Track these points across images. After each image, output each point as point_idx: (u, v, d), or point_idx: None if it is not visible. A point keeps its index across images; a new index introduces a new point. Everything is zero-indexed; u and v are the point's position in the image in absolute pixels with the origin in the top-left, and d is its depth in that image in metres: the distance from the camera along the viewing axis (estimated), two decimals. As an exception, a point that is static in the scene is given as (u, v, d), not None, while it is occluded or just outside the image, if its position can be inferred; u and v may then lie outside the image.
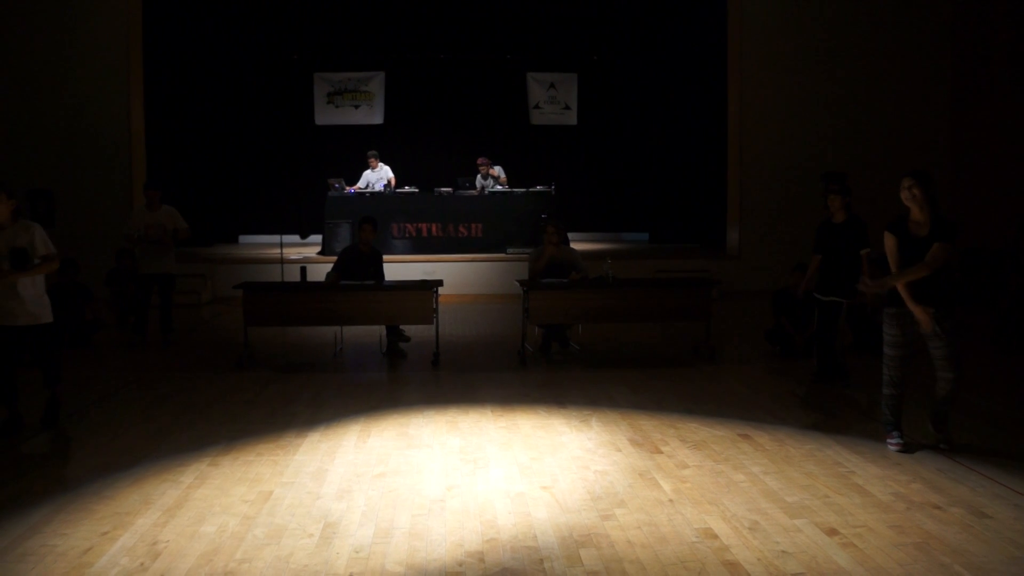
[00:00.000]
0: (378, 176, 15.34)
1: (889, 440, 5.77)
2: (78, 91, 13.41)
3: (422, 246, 14.57)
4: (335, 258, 9.73)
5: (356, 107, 17.61)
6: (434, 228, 14.75)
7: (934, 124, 14.32)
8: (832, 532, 4.38)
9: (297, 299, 8.82)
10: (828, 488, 5.02)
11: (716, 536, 4.34)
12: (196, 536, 4.38)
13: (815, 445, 5.86)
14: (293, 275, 11.08)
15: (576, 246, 10.46)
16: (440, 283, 8.89)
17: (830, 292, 7.65)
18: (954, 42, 14.22)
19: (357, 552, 4.19)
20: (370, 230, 9.26)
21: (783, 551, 4.16)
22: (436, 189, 15.00)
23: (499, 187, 15.23)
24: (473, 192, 15.10)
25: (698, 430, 6.23)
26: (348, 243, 12.07)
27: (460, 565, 4.06)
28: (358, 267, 9.18)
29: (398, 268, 12.39)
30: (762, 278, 12.69)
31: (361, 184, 15.29)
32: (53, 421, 6.41)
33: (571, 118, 17.95)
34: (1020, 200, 12.18)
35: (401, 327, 9.24)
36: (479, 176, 15.30)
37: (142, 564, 4.07)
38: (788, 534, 4.36)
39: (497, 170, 15.37)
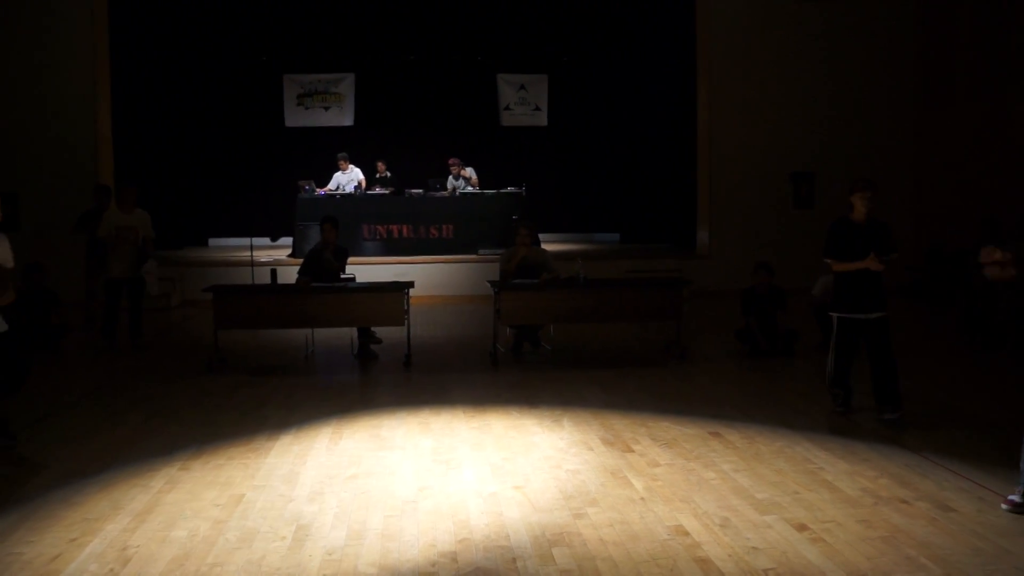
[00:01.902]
0: (348, 178, 15.29)
1: None
2: (44, 92, 13.22)
3: (393, 248, 14.53)
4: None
5: (326, 109, 17.52)
6: (405, 230, 14.72)
7: (899, 124, 14.48)
8: (802, 527, 4.43)
9: (268, 302, 8.77)
10: (798, 484, 5.07)
11: (687, 533, 4.37)
12: (167, 541, 4.35)
13: (785, 442, 5.92)
14: (263, 278, 10.98)
15: (547, 247, 10.50)
16: (411, 284, 8.88)
17: (869, 308, 6.43)
18: (919, 44, 14.38)
19: (330, 554, 4.19)
20: (330, 229, 9.23)
21: (754, 547, 4.20)
22: (407, 190, 14.98)
23: (470, 188, 15.25)
24: (444, 193, 15.10)
25: (669, 428, 6.28)
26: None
27: (433, 566, 4.07)
28: (325, 267, 9.15)
29: (369, 270, 12.33)
30: (732, 277, 12.76)
31: (331, 186, 15.23)
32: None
33: (542, 119, 17.97)
34: (983, 200, 12.37)
35: (372, 329, 9.21)
36: (451, 177, 15.31)
37: (112, 570, 4.04)
38: (758, 530, 4.40)
39: (469, 171, 15.40)
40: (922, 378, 7.78)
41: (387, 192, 15.06)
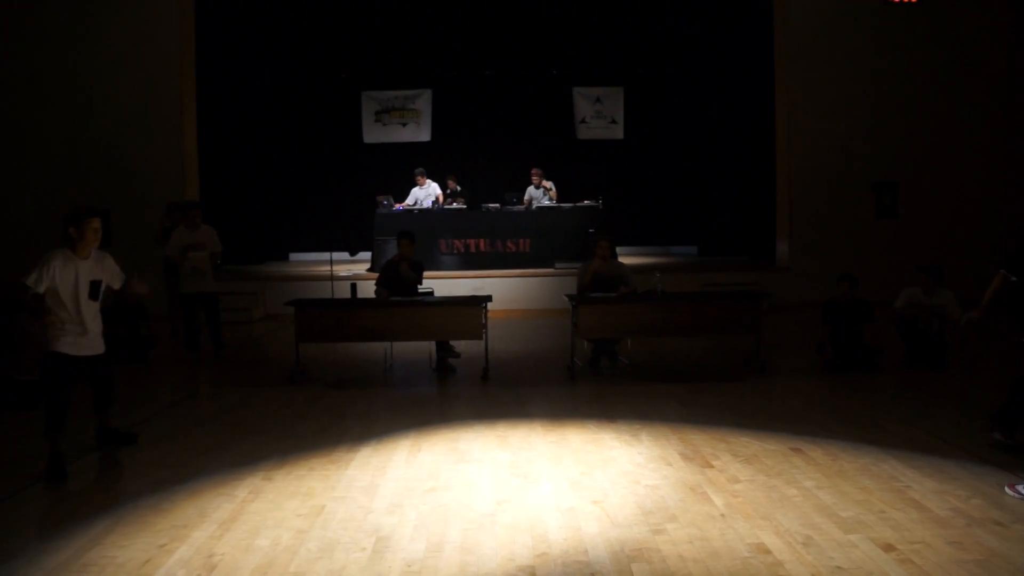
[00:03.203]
0: (426, 193, 15.47)
1: None
2: (133, 112, 13.72)
3: (470, 262, 14.63)
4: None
5: (403, 125, 17.77)
6: (482, 244, 14.81)
7: (988, 130, 14.05)
8: (889, 548, 4.30)
9: (347, 316, 8.91)
10: (884, 503, 4.93)
11: (769, 551, 4.29)
12: (251, 549, 4.45)
13: (870, 459, 5.77)
14: (343, 292, 11.19)
15: (624, 260, 10.42)
16: (489, 298, 8.92)
17: None
18: (1008, 46, 13.94)
19: (409, 566, 4.22)
20: (407, 244, 9.36)
21: (838, 567, 4.10)
22: (483, 205, 15.09)
23: (547, 200, 15.30)
24: (521, 207, 15.18)
25: (749, 444, 6.17)
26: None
27: (511, 579, 4.07)
28: (401, 280, 9.27)
29: (446, 284, 12.45)
30: (812, 290, 12.53)
31: (409, 201, 15.42)
32: (117, 440, 6.51)
33: (618, 132, 17.92)
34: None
35: (451, 343, 9.28)
36: (531, 187, 15.42)
37: (199, 576, 4.14)
38: (843, 549, 4.29)
39: (549, 184, 15.50)
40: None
41: (464, 207, 15.19)
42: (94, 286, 6.01)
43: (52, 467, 5.72)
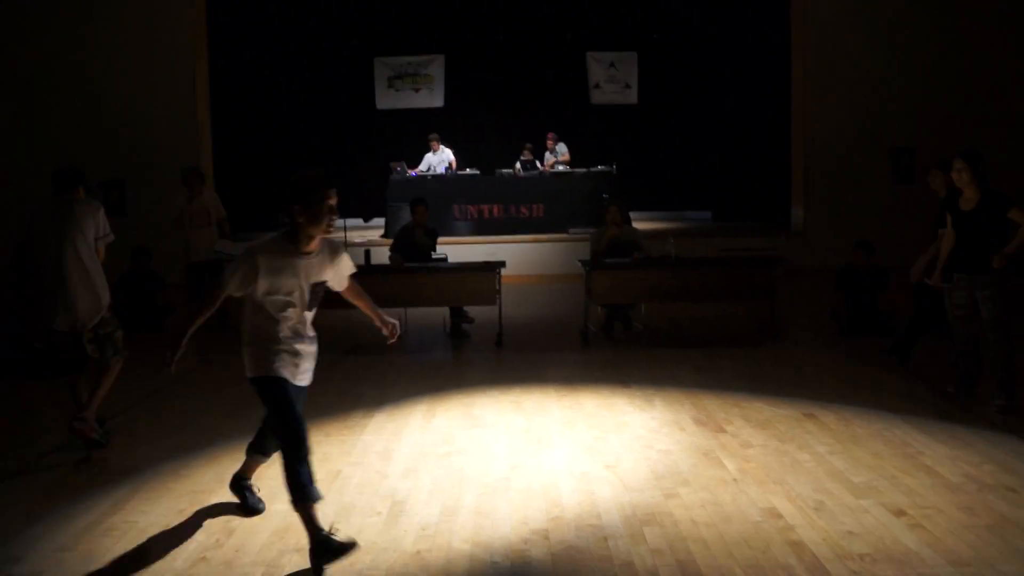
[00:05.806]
0: (439, 159, 15.45)
1: None
2: (145, 81, 13.70)
3: (484, 227, 14.63)
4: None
5: (416, 91, 17.68)
6: (496, 209, 14.79)
7: (1007, 96, 13.85)
8: (900, 513, 4.33)
9: (362, 282, 8.91)
10: (896, 468, 4.95)
11: (781, 516, 4.33)
12: (268, 514, 4.52)
13: (882, 425, 5.78)
14: (357, 258, 11.19)
15: (638, 225, 10.40)
16: (503, 264, 8.94)
17: None
18: (1029, 9, 13.74)
19: (424, 530, 4.28)
20: (422, 211, 9.38)
21: (849, 531, 4.13)
22: (497, 170, 15.07)
23: (560, 166, 15.33)
24: (534, 173, 15.18)
25: (762, 409, 6.20)
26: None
27: (525, 543, 4.12)
28: (415, 246, 9.30)
29: (460, 250, 12.44)
30: (828, 256, 12.45)
31: (423, 167, 15.41)
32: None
33: (632, 97, 17.77)
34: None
35: (464, 308, 9.31)
36: (547, 152, 15.73)
37: (217, 541, 4.22)
38: (854, 514, 4.33)
39: (561, 147, 15.55)
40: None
41: (477, 172, 15.19)
42: (315, 291, 4.34)
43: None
